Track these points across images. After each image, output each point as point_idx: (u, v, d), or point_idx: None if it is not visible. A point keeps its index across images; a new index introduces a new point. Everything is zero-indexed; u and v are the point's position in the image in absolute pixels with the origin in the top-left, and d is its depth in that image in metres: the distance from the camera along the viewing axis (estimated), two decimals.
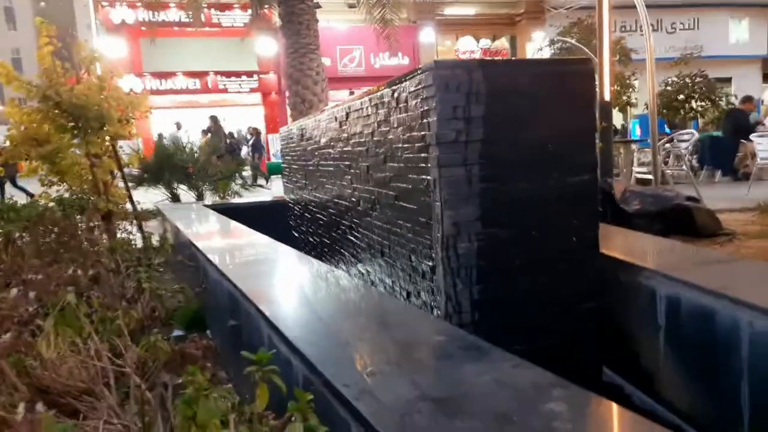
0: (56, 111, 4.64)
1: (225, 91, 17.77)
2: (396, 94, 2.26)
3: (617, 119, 14.86)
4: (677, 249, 2.63)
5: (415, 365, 1.37)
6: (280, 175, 6.57)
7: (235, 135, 15.33)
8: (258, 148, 14.43)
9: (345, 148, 3.16)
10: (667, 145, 8.34)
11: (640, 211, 4.92)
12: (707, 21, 18.14)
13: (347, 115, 3.04)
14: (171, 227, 4.73)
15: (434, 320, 1.88)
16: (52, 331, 0.99)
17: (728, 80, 17.02)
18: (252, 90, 18.05)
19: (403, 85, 2.20)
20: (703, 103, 11.69)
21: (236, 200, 8.13)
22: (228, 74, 17.57)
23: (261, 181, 12.17)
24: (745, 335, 1.71)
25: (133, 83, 14.94)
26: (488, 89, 1.90)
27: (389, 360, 1.41)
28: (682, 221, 4.79)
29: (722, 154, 9.26)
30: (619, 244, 2.62)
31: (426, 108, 1.97)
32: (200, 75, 17.32)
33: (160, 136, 12.60)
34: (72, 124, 4.65)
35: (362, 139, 2.78)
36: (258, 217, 5.28)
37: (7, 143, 5.14)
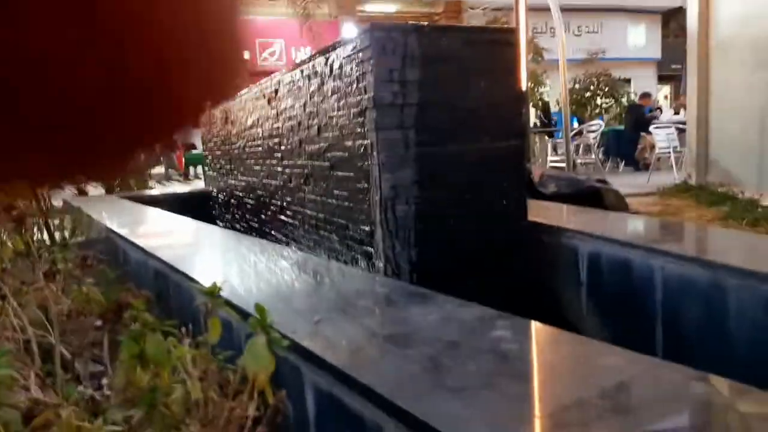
0: None
1: None
2: (329, 62, 2.25)
3: (531, 115, 15.61)
4: (593, 214, 2.82)
5: (361, 311, 1.38)
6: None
7: None
8: None
9: (275, 125, 3.10)
10: (578, 136, 8.89)
11: (557, 193, 5.22)
12: (609, 26, 19.50)
13: (276, 91, 2.99)
14: (83, 218, 4.43)
15: (374, 275, 1.91)
16: None
17: (628, 81, 18.38)
18: None
19: (336, 51, 2.19)
20: (607, 100, 12.58)
21: (154, 192, 7.73)
22: None
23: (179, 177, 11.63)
24: (658, 280, 1.87)
25: None
26: (423, 53, 1.94)
27: (334, 309, 1.41)
28: (594, 202, 5.15)
29: (624, 146, 10.00)
30: (542, 212, 2.77)
31: (362, 71, 1.98)
32: None
33: None
34: None
35: (294, 113, 2.75)
36: (177, 208, 5.05)
37: None
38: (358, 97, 2.04)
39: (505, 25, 13.51)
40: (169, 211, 4.08)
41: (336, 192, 2.39)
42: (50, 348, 1.29)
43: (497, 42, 2.12)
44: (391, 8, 18.72)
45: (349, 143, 2.18)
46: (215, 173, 5.22)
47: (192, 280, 1.76)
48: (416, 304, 1.40)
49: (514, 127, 2.18)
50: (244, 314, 1.11)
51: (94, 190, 8.09)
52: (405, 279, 2.05)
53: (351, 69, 2.06)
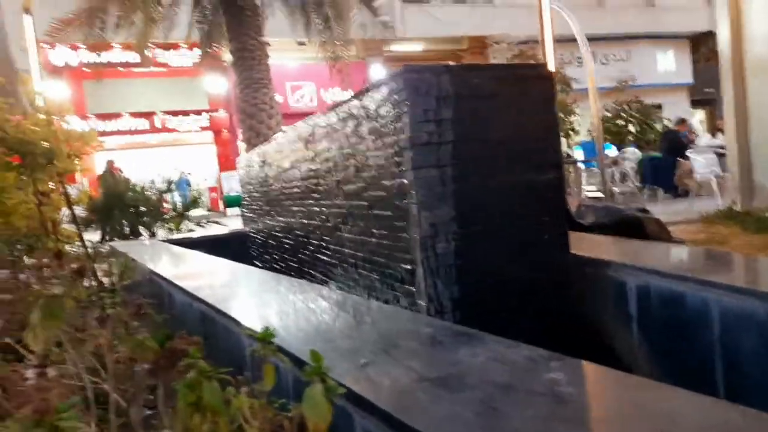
0: (0, 149, 4.45)
1: (175, 130, 17.51)
2: (364, 104, 2.30)
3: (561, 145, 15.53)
4: (640, 246, 2.75)
5: (407, 353, 1.36)
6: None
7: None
8: (181, 187, 13.70)
9: (311, 167, 3.16)
10: (613, 165, 8.77)
11: (595, 223, 5.13)
12: (637, 53, 19.44)
13: (313, 133, 3.06)
14: (129, 263, 4.56)
15: (417, 315, 1.89)
16: (38, 324, 0.94)
17: (659, 107, 18.17)
18: (203, 128, 17.87)
19: (371, 94, 2.24)
20: (639, 127, 12.43)
21: (193, 234, 7.92)
22: (176, 113, 17.36)
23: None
24: (714, 314, 1.80)
25: (77, 125, 14.50)
26: (456, 92, 1.97)
27: (379, 350, 1.40)
28: (634, 231, 5.02)
29: (662, 173, 9.79)
30: (584, 244, 2.71)
31: (397, 113, 2.01)
32: (147, 115, 17.04)
33: (105, 174, 12.11)
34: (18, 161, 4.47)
35: (331, 155, 2.80)
36: (216, 250, 5.16)
37: None
38: (395, 138, 2.07)
39: (532, 59, 13.60)
40: (209, 253, 4.17)
41: (375, 231, 2.40)
42: (103, 394, 1.31)
43: (528, 77, 2.14)
44: (417, 47, 19.13)
45: (386, 182, 2.20)
46: (253, 214, 5.33)
47: (239, 324, 1.78)
48: (463, 345, 1.37)
49: (550, 159, 2.17)
50: (293, 359, 1.11)
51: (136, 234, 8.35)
52: (448, 317, 2.02)
53: (387, 110, 2.10)
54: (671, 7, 19.18)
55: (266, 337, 0.92)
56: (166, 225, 8.34)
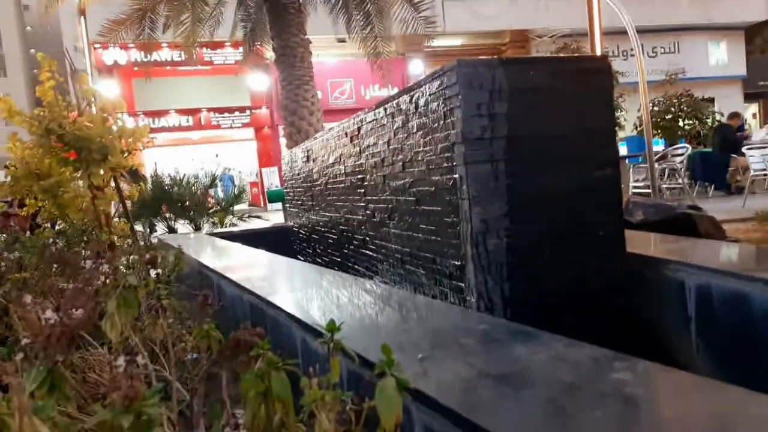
0: (58, 144, 4.65)
1: (218, 127, 17.92)
2: (414, 99, 2.29)
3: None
4: (693, 243, 2.64)
5: (465, 348, 1.35)
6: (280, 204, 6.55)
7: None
8: (225, 182, 14.06)
9: (357, 162, 3.18)
10: (662, 160, 8.48)
11: (645, 220, 4.96)
12: (687, 44, 18.72)
13: (359, 129, 3.07)
14: (180, 255, 4.69)
15: (471, 312, 1.87)
16: (115, 313, 0.97)
17: (711, 100, 17.45)
18: (244, 125, 18.22)
19: (421, 89, 2.23)
20: (690, 122, 11.96)
21: (236, 228, 8.09)
22: (221, 110, 17.75)
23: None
24: None
25: (128, 122, 14.99)
26: (510, 86, 1.94)
27: (437, 346, 1.39)
28: (686, 229, 4.82)
29: (713, 169, 9.41)
30: (638, 242, 2.63)
31: (449, 107, 1.99)
32: (193, 112, 17.48)
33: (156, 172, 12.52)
34: (74, 157, 4.65)
35: (377, 150, 2.81)
36: (260, 243, 5.26)
37: (8, 179, 5.12)
38: (446, 132, 2.05)
39: (576, 52, 13.26)
40: (252, 246, 4.25)
41: (422, 226, 2.39)
42: (166, 383, 1.35)
43: (585, 71, 2.08)
44: (457, 42, 18.94)
45: (436, 178, 2.19)
46: (296, 209, 5.39)
47: (292, 317, 1.80)
48: (520, 343, 1.35)
49: (607, 156, 2.11)
50: (361, 358, 1.11)
51: (182, 228, 8.60)
52: (498, 314, 2.00)
53: (437, 105, 2.08)
54: None
55: (333, 329, 0.93)
56: (210, 219, 8.56)
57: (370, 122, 2.89)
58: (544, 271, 2.02)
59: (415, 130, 2.33)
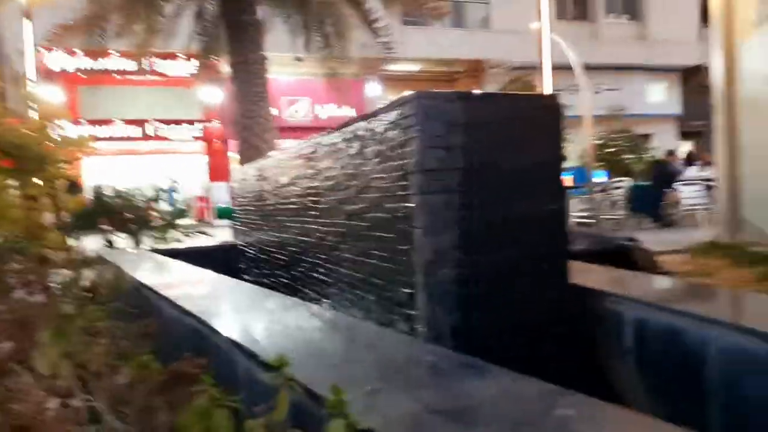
0: None
1: (166, 138, 17.43)
2: (371, 126, 2.31)
3: None
4: (633, 277, 2.76)
5: (415, 382, 1.35)
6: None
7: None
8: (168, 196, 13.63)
9: (311, 184, 3.15)
10: (602, 192, 8.86)
11: (584, 250, 5.16)
12: (628, 83, 19.77)
13: (315, 151, 3.06)
14: (115, 272, 4.48)
15: (420, 343, 1.87)
16: (48, 345, 0.91)
17: (648, 136, 18.46)
18: (195, 138, 17.81)
19: (378, 117, 2.25)
20: (630, 156, 12.61)
21: (180, 245, 7.81)
22: (168, 122, 17.29)
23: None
24: (712, 352, 1.80)
25: (70, 130, 14.34)
26: (467, 120, 1.98)
27: (386, 378, 1.38)
28: (623, 260, 5.06)
29: (649, 202, 9.90)
30: (580, 274, 2.72)
31: (407, 137, 2.02)
32: (140, 123, 16.95)
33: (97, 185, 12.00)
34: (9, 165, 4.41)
35: (333, 174, 2.80)
36: (205, 261, 5.09)
37: None
38: (402, 161, 2.07)
39: (527, 85, 13.78)
40: (197, 263, 4.11)
41: (375, 252, 2.39)
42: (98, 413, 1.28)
43: (539, 107, 2.16)
44: (414, 68, 19.29)
45: (390, 205, 2.20)
46: (245, 227, 5.29)
47: (236, 344, 1.74)
48: (470, 377, 1.36)
49: (555, 188, 2.19)
50: (309, 392, 1.08)
51: (122, 242, 8.23)
52: (446, 343, 2.01)
53: (395, 134, 2.11)
54: (664, 41, 19.63)
55: (282, 364, 0.90)
56: (152, 234, 8.23)
57: (326, 145, 2.89)
58: (492, 301, 2.06)
59: (371, 157, 2.35)
